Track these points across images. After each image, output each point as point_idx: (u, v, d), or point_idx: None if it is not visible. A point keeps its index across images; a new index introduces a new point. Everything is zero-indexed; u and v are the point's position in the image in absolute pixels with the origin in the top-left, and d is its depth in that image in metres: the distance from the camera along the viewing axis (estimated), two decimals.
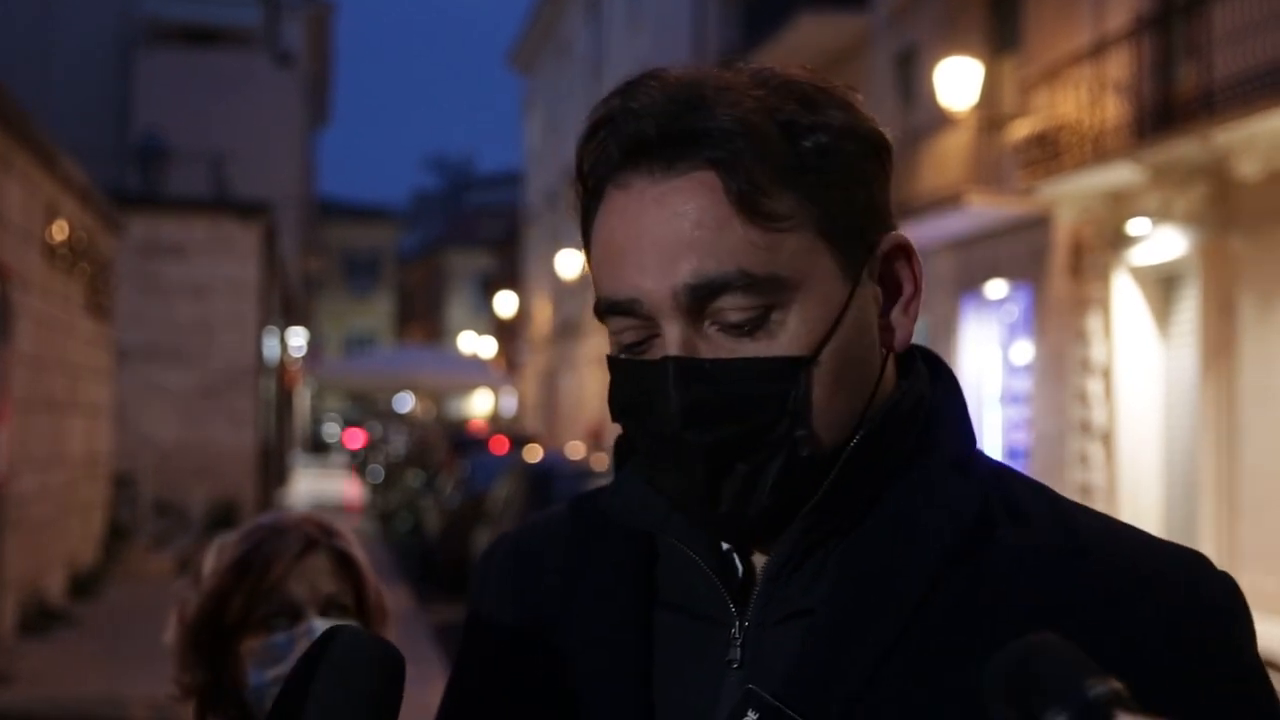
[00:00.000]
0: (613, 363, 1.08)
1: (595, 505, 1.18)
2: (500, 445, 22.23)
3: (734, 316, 1.01)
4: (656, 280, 1.02)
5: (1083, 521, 1.07)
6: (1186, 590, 1.02)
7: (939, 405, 1.11)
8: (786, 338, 1.02)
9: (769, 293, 1.01)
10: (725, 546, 1.08)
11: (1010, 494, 1.07)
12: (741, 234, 1.00)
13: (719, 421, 1.01)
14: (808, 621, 1.04)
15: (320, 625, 1.82)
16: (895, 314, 1.10)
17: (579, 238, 1.12)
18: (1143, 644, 0.99)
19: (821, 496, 1.03)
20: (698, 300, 1.01)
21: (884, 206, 1.09)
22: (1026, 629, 0.99)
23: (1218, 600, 1.02)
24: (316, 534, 1.92)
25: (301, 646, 1.77)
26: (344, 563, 1.91)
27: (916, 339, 1.13)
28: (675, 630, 1.10)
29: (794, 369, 1.02)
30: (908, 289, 1.11)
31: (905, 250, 1.10)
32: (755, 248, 1.00)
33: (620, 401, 1.07)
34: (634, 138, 1.03)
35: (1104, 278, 15.07)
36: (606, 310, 1.06)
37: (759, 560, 1.08)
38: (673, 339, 1.02)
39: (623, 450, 1.15)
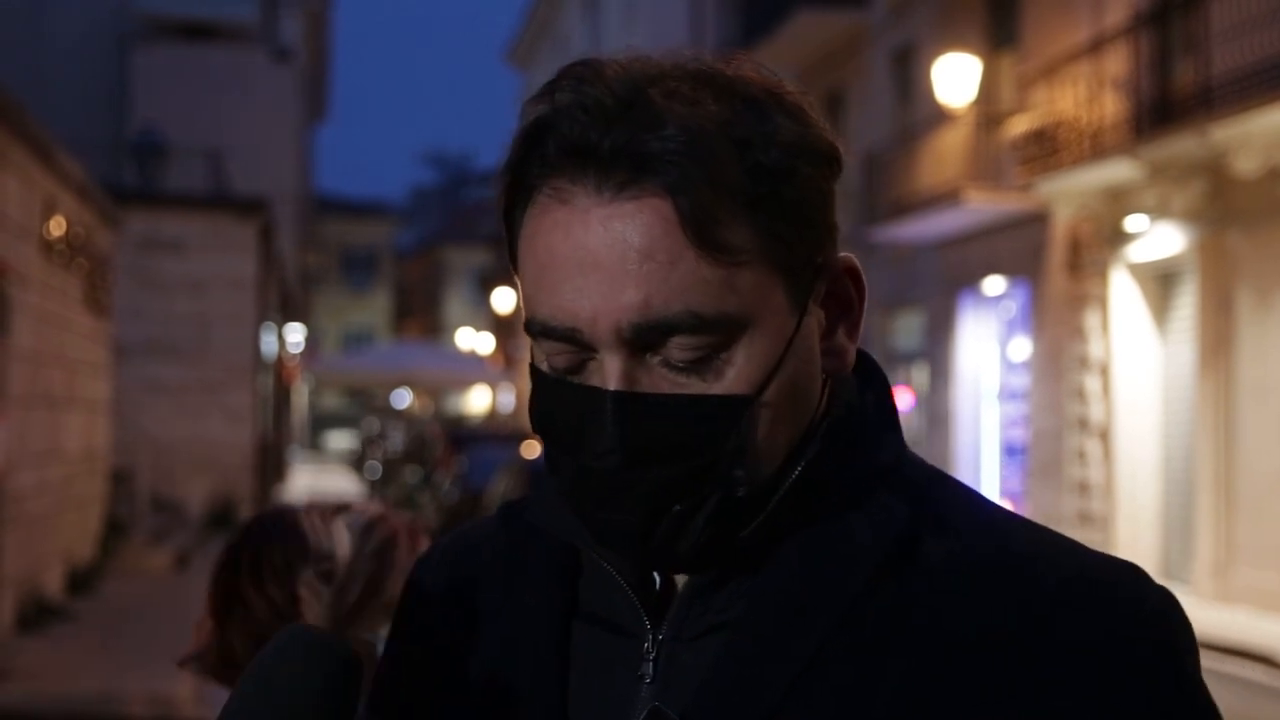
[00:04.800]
0: (540, 378, 1.02)
1: (522, 513, 1.16)
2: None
3: (680, 355, 0.97)
4: (599, 312, 0.96)
5: (1017, 533, 1.03)
6: (1126, 602, 0.98)
7: (868, 413, 1.07)
8: (733, 375, 0.97)
9: (719, 332, 0.96)
10: None
11: (941, 504, 1.04)
12: (694, 269, 0.95)
13: (657, 461, 0.97)
14: (726, 635, 1.01)
15: None
16: (839, 338, 1.06)
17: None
18: (1081, 657, 0.96)
19: (757, 526, 1.00)
20: (642, 337, 0.96)
21: (833, 225, 1.03)
22: (957, 646, 0.96)
23: (1158, 611, 0.99)
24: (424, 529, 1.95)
25: None
26: None
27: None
28: (592, 642, 1.07)
29: (740, 408, 0.97)
30: (852, 313, 1.06)
31: (852, 273, 1.06)
32: (707, 284, 0.95)
33: (546, 421, 1.02)
34: (579, 144, 0.97)
35: (1102, 274, 15.08)
36: (540, 333, 1.00)
37: (680, 574, 1.05)
38: (613, 372, 0.97)
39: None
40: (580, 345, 0.98)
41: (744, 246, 0.97)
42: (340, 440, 51.17)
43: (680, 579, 1.05)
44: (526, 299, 1.02)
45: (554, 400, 1.01)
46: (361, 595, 1.84)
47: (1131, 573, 1.01)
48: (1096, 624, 0.97)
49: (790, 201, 0.98)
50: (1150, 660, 0.97)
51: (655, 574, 1.05)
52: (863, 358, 1.10)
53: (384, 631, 1.83)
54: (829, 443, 1.03)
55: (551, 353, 1.00)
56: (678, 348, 0.96)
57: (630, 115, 0.96)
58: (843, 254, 1.05)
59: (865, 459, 1.04)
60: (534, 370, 1.04)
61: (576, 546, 1.10)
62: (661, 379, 0.98)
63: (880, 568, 1.00)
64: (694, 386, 0.97)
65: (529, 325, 1.01)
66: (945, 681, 0.96)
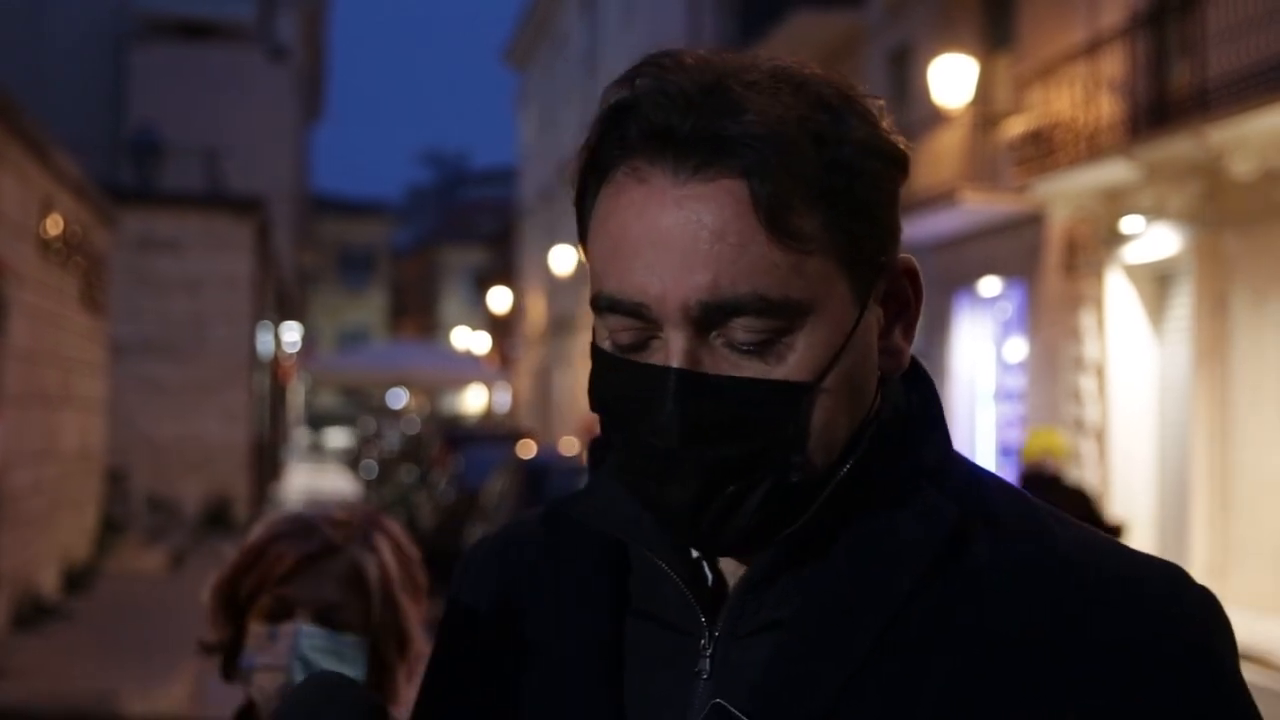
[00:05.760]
0: (603, 357, 1.04)
1: (570, 510, 1.15)
2: None
3: (743, 336, 0.98)
4: (668, 289, 0.98)
5: (1060, 532, 1.04)
6: (1167, 602, 1.00)
7: (914, 413, 1.09)
8: (794, 360, 0.99)
9: (783, 316, 0.98)
10: (695, 554, 1.07)
11: (987, 503, 1.05)
12: (764, 253, 0.97)
13: (716, 440, 0.98)
14: (779, 634, 1.02)
15: (309, 630, 1.84)
16: (896, 338, 1.08)
17: (574, 233, 1.08)
18: (1123, 656, 0.97)
19: (806, 519, 1.01)
20: (709, 316, 0.98)
21: (897, 226, 1.06)
22: (998, 645, 0.98)
23: (1198, 612, 1.01)
24: (340, 540, 1.91)
25: (284, 644, 1.83)
26: (356, 576, 1.90)
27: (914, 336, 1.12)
28: (646, 639, 1.08)
29: (799, 394, 0.99)
30: (908, 313, 1.09)
31: (911, 274, 1.08)
32: (776, 269, 0.97)
33: (607, 399, 1.04)
34: (659, 127, 0.98)
35: (1098, 275, 15.09)
36: (607, 307, 1.02)
37: (730, 568, 1.06)
38: (677, 349, 0.99)
39: (598, 452, 1.13)
40: (646, 321, 1.00)
41: (813, 236, 0.99)
42: (338, 439, 51.19)
43: (731, 576, 1.06)
44: (595, 275, 1.03)
45: (614, 377, 1.03)
46: (227, 581, 1.94)
47: (1168, 572, 1.02)
48: (1129, 622, 0.98)
49: (860, 199, 1.01)
50: (1182, 658, 0.98)
51: (707, 570, 1.06)
52: (910, 361, 1.12)
53: (304, 625, 1.86)
54: (877, 443, 1.04)
55: (615, 329, 1.02)
56: (742, 329, 0.98)
57: (710, 101, 0.98)
58: (903, 255, 1.07)
59: (911, 459, 1.06)
60: (595, 349, 1.05)
61: (624, 544, 1.11)
62: (723, 359, 0.99)
63: (930, 567, 1.01)
64: (755, 369, 0.99)
65: (596, 300, 1.03)
66: (987, 680, 0.97)
